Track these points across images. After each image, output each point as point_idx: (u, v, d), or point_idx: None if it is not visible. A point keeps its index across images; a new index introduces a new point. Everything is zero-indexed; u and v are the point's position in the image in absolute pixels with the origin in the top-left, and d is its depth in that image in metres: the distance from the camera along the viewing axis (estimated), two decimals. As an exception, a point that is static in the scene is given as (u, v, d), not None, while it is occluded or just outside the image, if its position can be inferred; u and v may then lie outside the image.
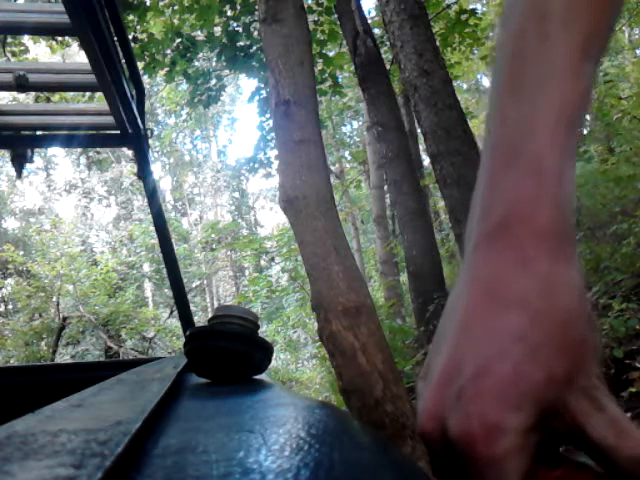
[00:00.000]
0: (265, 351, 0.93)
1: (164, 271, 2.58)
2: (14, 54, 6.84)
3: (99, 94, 2.83)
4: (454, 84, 5.36)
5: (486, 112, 0.36)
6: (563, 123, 0.32)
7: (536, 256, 0.31)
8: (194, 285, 16.60)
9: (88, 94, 6.87)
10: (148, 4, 6.97)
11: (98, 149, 11.03)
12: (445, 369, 0.32)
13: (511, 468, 0.29)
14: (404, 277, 8.16)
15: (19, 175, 1.78)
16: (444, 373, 0.32)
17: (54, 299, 11.58)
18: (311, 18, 6.81)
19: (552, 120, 0.32)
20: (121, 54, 1.40)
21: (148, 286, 17.80)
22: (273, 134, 5.92)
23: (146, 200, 1.81)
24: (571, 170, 0.32)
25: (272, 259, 9.96)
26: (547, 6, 0.33)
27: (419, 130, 5.18)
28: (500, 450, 0.29)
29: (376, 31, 7.91)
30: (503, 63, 0.35)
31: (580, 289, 0.31)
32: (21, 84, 1.52)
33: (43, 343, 11.55)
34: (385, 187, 8.98)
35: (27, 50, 7.16)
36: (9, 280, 13.85)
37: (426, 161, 9.10)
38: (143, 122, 1.67)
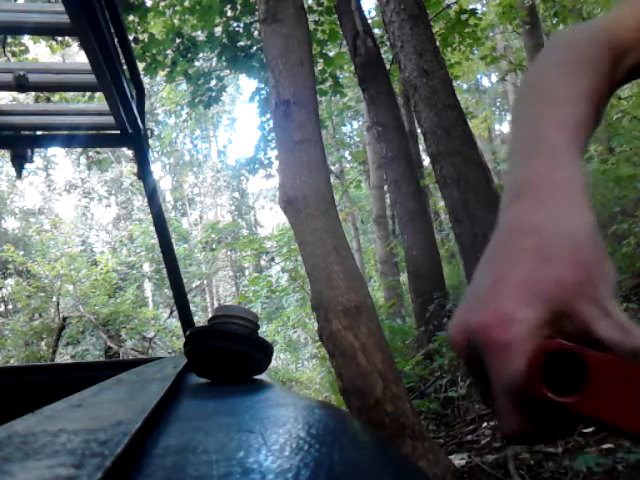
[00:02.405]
0: (265, 351, 0.93)
1: (164, 271, 2.58)
2: (14, 54, 6.84)
3: (99, 94, 2.83)
4: (454, 84, 5.36)
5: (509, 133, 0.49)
6: (567, 130, 0.43)
7: (550, 199, 0.38)
8: (194, 285, 16.59)
9: (88, 94, 6.87)
10: (149, 5, 6.97)
11: (98, 149, 11.03)
12: (469, 295, 0.38)
13: (519, 352, 0.34)
14: (404, 277, 8.15)
15: (19, 175, 1.77)
16: (469, 297, 0.38)
17: (54, 299, 11.57)
18: (311, 18, 6.81)
19: (557, 128, 0.43)
20: (121, 54, 1.40)
21: (148, 286, 17.79)
22: (273, 134, 5.92)
23: (146, 200, 1.81)
24: (575, 153, 0.43)
25: (272, 259, 9.96)
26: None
27: (419, 130, 5.17)
28: (510, 335, 0.34)
29: (376, 31, 7.91)
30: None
31: (590, 225, 0.37)
32: (21, 84, 1.52)
33: (43, 343, 11.54)
34: (385, 187, 8.97)
35: (27, 50, 7.16)
36: (9, 280, 13.84)
37: (426, 161, 9.09)
38: (143, 122, 1.67)
